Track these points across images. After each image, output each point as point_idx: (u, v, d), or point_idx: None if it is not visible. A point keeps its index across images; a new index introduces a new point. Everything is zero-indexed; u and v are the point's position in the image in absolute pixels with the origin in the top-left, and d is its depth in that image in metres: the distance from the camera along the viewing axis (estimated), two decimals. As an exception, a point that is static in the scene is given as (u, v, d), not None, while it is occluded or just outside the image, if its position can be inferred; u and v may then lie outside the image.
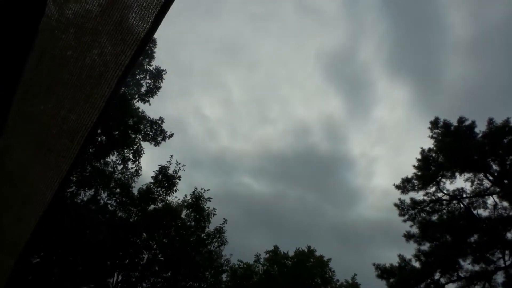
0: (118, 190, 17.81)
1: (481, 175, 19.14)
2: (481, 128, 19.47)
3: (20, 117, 1.53)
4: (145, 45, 1.24)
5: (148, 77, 17.37)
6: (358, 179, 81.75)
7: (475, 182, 19.25)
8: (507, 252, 16.97)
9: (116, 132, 17.24)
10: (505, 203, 17.83)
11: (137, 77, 17.07)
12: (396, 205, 20.13)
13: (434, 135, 20.69)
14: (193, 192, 19.12)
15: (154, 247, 18.04)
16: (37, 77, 1.46)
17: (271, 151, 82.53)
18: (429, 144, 21.38)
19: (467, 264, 17.45)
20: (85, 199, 16.96)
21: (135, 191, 18.34)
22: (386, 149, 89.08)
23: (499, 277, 16.87)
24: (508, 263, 16.83)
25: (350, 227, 66.31)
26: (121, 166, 17.68)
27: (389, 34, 74.60)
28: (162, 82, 17.52)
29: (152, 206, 18.42)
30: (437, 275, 17.74)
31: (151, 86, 17.37)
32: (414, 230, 19.15)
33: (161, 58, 17.50)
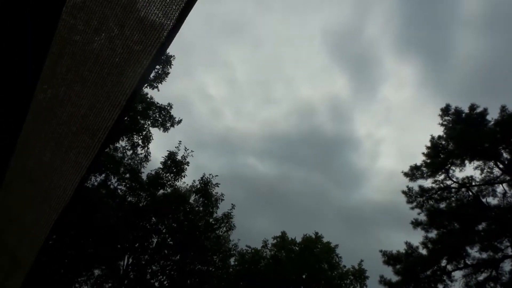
0: (127, 175, 18.03)
1: (491, 163, 18.91)
2: (493, 115, 19.16)
3: (39, 115, 1.52)
4: (168, 43, 1.21)
5: (156, 63, 17.29)
6: (363, 160, 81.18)
7: (485, 170, 19.05)
8: (515, 240, 16.92)
9: (126, 118, 17.33)
10: (515, 192, 17.69)
11: (146, 62, 17.02)
12: (404, 192, 20.07)
13: (445, 123, 20.43)
14: (202, 178, 19.28)
15: (163, 231, 18.34)
16: (56, 74, 1.45)
17: (276, 132, 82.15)
18: (438, 129, 21.12)
19: (474, 252, 17.46)
20: (95, 184, 17.22)
21: (144, 176, 18.58)
22: (392, 129, 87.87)
23: (507, 265, 16.89)
24: (516, 251, 16.80)
25: (355, 209, 66.40)
26: (131, 151, 17.85)
27: (398, 8, 72.43)
28: (170, 68, 17.46)
29: (161, 191, 18.66)
30: (443, 262, 17.80)
31: (159, 72, 17.31)
32: (422, 217, 19.14)
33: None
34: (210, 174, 19.27)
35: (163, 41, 1.22)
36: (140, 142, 17.46)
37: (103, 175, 16.51)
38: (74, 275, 16.57)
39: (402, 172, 20.43)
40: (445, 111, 20.45)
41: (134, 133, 17.21)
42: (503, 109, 18.08)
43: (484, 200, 18.83)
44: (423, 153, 20.57)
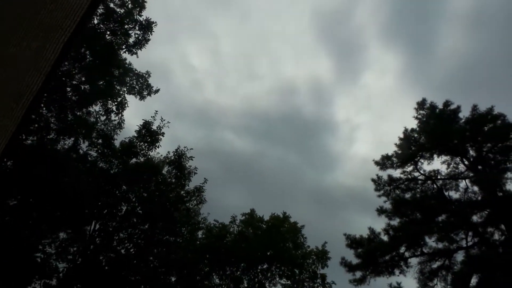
0: (100, 141, 17.66)
1: (457, 159, 19.71)
2: (465, 113, 19.82)
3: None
4: (92, 12, 1.19)
5: (137, 28, 16.69)
6: (339, 144, 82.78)
7: (451, 165, 19.89)
8: (470, 233, 17.88)
9: (101, 82, 16.79)
10: (476, 188, 18.56)
11: (126, 26, 16.39)
12: (373, 180, 20.71)
13: (419, 116, 20.98)
14: (176, 150, 19.16)
15: (133, 200, 18.26)
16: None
17: (256, 108, 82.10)
18: (413, 122, 21.68)
19: (431, 242, 18.41)
20: (66, 147, 16.81)
21: (117, 143, 18.27)
22: (370, 116, 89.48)
23: (460, 256, 17.93)
24: (470, 243, 17.79)
25: (326, 191, 68.24)
26: (104, 117, 17.42)
27: None
28: (151, 34, 16.89)
29: (134, 160, 18.44)
30: (402, 249, 18.68)
31: (139, 37, 16.73)
32: (387, 205, 19.89)
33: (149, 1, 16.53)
34: (185, 147, 19.20)
35: (86, 11, 1.20)
36: (114, 108, 17.06)
37: (73, 138, 16.11)
38: (39, 237, 16.39)
39: (374, 160, 21.03)
40: (421, 105, 20.96)
41: (109, 98, 16.76)
42: (474, 108, 18.71)
43: (446, 193, 19.71)
44: (396, 144, 21.18)
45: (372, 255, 18.42)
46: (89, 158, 17.00)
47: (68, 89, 15.88)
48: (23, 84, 1.42)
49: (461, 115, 19.82)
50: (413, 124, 24.61)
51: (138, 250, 18.11)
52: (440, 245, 18.10)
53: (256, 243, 20.01)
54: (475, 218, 17.85)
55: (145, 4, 16.73)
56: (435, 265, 18.40)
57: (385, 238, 19.12)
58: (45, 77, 1.36)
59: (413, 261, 18.68)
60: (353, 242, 19.39)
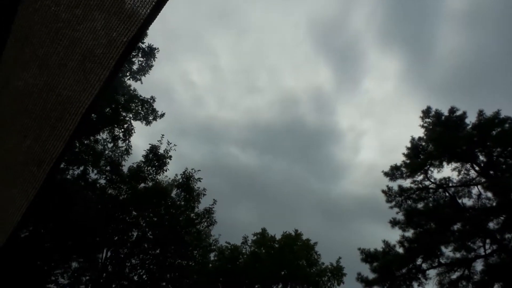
0: (108, 168, 17.77)
1: (468, 165, 19.44)
2: (471, 117, 19.69)
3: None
4: (105, 89, 1.22)
5: (140, 55, 17.03)
6: (345, 152, 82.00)
7: (462, 172, 19.59)
8: (488, 241, 17.47)
9: (108, 109, 17.02)
10: (489, 194, 18.23)
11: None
12: (383, 191, 20.46)
13: (425, 124, 20.88)
14: (184, 172, 19.18)
15: (144, 225, 18.21)
16: (3, 105, 1.44)
17: (259, 121, 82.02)
18: (419, 123, 21.37)
19: (448, 251, 17.98)
20: (75, 175, 16.94)
21: (125, 169, 18.36)
22: (374, 122, 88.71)
23: (478, 265, 17.46)
24: (488, 251, 17.36)
25: (334, 201, 67.31)
26: (112, 144, 17.58)
27: (383, 1, 72.63)
28: (154, 60, 17.22)
29: (142, 185, 18.47)
30: (419, 261, 18.28)
31: (143, 64, 17.06)
32: (400, 217, 19.56)
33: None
34: (192, 169, 19.21)
35: (102, 86, 1.23)
36: (121, 135, 17.24)
37: (82, 167, 16.25)
38: (51, 268, 16.35)
39: (383, 171, 20.83)
40: (426, 113, 20.89)
41: (115, 125, 16.96)
42: (480, 113, 18.60)
43: (460, 201, 19.37)
44: (403, 154, 21.03)
45: (389, 268, 18.02)
46: (98, 186, 17.08)
47: (75, 118, 16.11)
48: (44, 151, 1.46)
49: (467, 120, 19.73)
50: (418, 130, 24.44)
51: (150, 276, 17.94)
52: (458, 255, 17.66)
53: (269, 263, 19.71)
54: (491, 224, 17.49)
55: (146, 31, 17.08)
56: (454, 275, 17.92)
57: (400, 250, 18.76)
58: (65, 145, 1.39)
59: (431, 272, 18.24)
60: (368, 256, 19.02)
